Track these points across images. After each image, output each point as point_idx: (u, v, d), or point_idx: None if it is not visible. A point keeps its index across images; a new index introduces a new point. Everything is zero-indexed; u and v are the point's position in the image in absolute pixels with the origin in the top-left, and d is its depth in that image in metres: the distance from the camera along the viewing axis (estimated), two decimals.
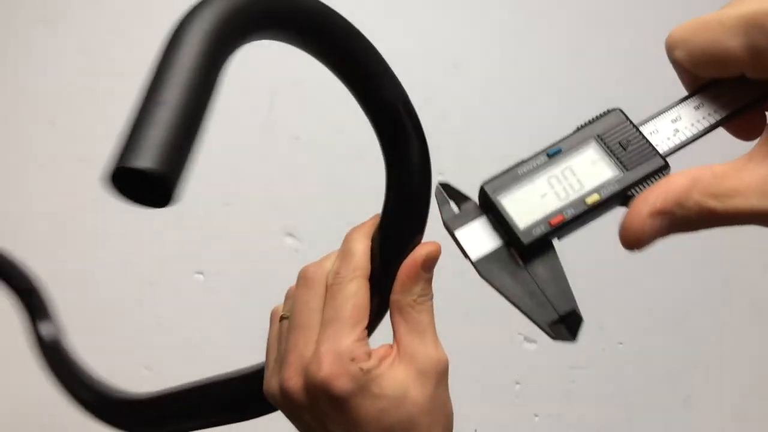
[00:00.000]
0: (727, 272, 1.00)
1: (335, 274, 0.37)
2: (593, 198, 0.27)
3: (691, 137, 0.27)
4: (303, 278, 0.38)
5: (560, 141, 0.28)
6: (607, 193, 0.27)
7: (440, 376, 0.35)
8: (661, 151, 0.27)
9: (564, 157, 0.28)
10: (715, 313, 1.00)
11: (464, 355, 1.01)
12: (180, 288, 0.87)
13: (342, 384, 0.33)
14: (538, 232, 0.27)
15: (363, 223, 0.39)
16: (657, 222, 0.24)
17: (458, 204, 0.30)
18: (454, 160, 0.91)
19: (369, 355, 0.34)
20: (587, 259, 0.99)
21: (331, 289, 0.37)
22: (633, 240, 0.25)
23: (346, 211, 0.90)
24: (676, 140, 0.27)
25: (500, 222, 0.28)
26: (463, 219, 0.29)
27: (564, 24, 0.99)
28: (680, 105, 0.28)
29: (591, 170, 0.28)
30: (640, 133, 0.28)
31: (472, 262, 0.28)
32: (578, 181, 0.28)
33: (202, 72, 0.23)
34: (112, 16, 0.94)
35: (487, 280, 0.28)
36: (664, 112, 0.28)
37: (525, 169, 0.28)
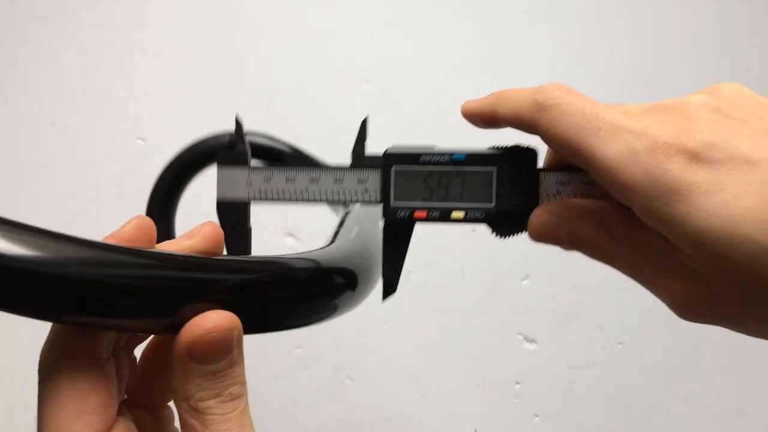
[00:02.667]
0: None
1: None
2: (458, 214, 0.31)
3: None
4: None
5: (470, 152, 0.32)
6: (471, 216, 0.31)
7: None
8: (541, 202, 0.31)
9: (463, 168, 0.31)
10: None
11: (464, 355, 1.01)
12: None
13: None
14: (401, 215, 0.32)
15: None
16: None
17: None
18: None
19: None
20: (587, 259, 0.99)
21: None
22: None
23: None
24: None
25: (384, 186, 0.32)
26: (367, 162, 0.32)
27: (564, 25, 0.99)
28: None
29: (475, 190, 0.31)
30: (536, 180, 0.31)
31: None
32: (460, 193, 0.31)
33: None
34: (112, 16, 0.94)
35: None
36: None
37: (427, 159, 0.31)
